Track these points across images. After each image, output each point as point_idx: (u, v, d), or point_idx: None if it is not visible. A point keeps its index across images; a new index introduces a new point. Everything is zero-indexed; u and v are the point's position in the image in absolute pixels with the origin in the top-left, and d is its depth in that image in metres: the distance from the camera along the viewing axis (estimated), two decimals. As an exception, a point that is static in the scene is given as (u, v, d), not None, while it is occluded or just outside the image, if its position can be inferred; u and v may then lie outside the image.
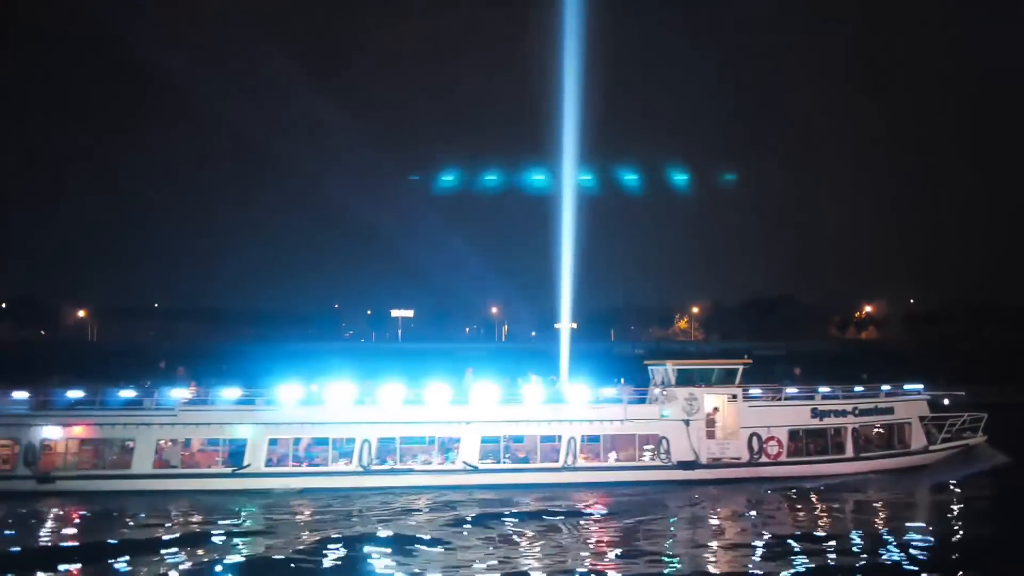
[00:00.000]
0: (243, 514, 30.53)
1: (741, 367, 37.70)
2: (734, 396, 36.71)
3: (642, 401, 37.17)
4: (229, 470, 34.19)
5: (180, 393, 34.89)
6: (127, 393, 35.06)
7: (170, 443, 34.40)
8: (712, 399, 36.59)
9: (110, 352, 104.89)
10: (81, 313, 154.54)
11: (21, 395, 34.67)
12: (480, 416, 35.47)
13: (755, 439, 36.21)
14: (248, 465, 34.24)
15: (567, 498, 33.17)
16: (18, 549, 25.41)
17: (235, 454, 34.49)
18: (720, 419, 36.54)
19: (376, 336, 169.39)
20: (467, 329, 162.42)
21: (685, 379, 37.26)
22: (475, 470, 35.05)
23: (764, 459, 36.20)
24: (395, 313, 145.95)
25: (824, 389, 38.56)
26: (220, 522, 28.96)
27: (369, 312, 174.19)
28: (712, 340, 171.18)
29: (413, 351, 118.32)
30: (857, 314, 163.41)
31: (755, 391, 38.38)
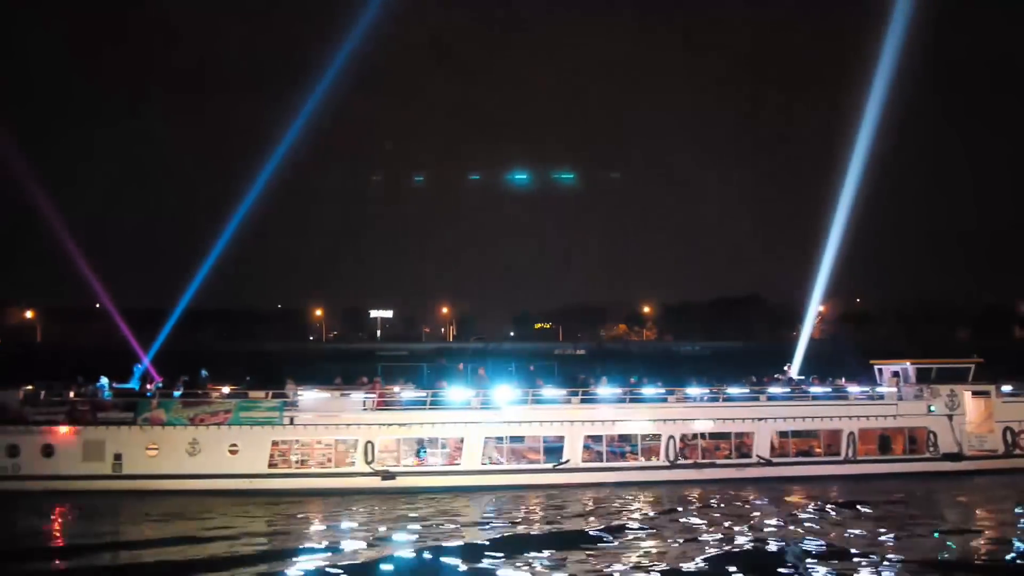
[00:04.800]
0: (571, 508, 30.83)
1: (973, 365, 40.62)
2: (988, 392, 39.52)
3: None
4: (550, 466, 34.74)
5: (503, 392, 35.25)
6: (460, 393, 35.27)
7: (496, 440, 34.78)
8: (971, 395, 39.30)
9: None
10: (29, 314, 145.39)
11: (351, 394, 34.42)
12: (771, 412, 37.10)
13: (1008, 432, 39.11)
14: (567, 461, 34.85)
15: (851, 488, 34.81)
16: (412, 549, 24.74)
17: (553, 450, 35.11)
18: (979, 413, 39.29)
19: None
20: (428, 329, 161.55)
21: (923, 376, 39.88)
22: (768, 463, 36.59)
23: (1017, 451, 39.12)
24: (374, 313, 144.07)
25: None
26: (560, 517, 29.31)
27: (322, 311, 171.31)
28: (665, 340, 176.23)
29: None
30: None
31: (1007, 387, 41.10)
